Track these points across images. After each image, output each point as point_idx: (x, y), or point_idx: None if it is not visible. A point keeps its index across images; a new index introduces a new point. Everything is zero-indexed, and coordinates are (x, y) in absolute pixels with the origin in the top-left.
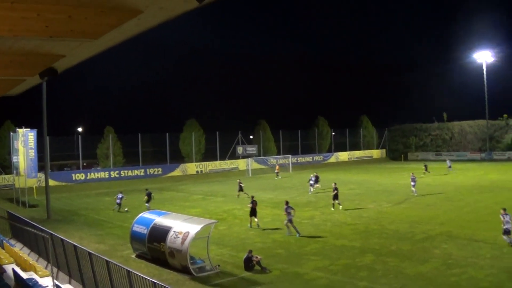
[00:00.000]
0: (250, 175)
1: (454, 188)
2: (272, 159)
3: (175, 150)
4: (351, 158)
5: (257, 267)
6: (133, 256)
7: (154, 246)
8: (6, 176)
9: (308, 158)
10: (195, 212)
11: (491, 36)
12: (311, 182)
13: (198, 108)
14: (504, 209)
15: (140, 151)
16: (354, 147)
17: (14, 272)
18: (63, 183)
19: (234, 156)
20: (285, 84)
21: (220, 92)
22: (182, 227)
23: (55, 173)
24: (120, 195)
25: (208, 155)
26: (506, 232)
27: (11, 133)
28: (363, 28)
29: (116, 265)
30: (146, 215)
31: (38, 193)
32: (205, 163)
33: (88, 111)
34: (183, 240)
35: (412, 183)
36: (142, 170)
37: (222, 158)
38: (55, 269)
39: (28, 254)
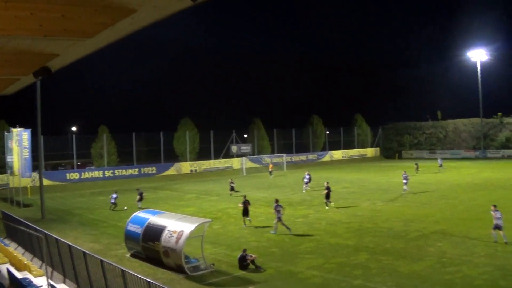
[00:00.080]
0: (244, 174)
1: (448, 186)
2: (266, 158)
3: (169, 149)
4: (345, 156)
5: (251, 266)
6: (128, 255)
7: (149, 245)
8: (0, 175)
9: (302, 157)
10: (190, 211)
11: (486, 34)
12: (306, 180)
13: (193, 107)
14: (495, 206)
15: (134, 150)
16: (348, 145)
17: (9, 271)
18: (57, 183)
19: (228, 155)
20: (279, 83)
21: (214, 91)
22: (176, 226)
23: (49, 173)
24: (114, 195)
25: (203, 154)
26: (497, 227)
27: (5, 133)
28: (357, 27)
29: (111, 264)
30: (140, 214)
31: (33, 193)
32: (199, 162)
33: (82, 111)
34: (178, 239)
35: (404, 181)
36: (136, 169)
37: (217, 157)
38: (49, 269)
39: (23, 254)
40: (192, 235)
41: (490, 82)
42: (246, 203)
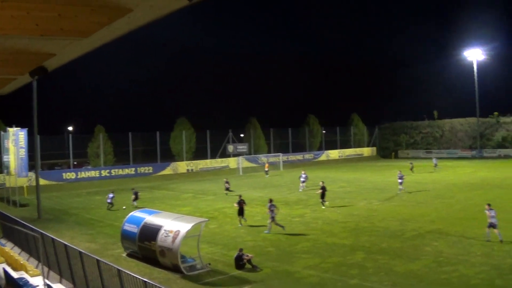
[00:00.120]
0: (241, 173)
1: (444, 185)
2: (262, 157)
3: (165, 149)
4: (341, 156)
5: (248, 265)
6: (124, 255)
7: (145, 245)
8: None
9: (298, 156)
10: (186, 210)
11: (482, 34)
12: (302, 179)
13: (189, 107)
14: (489, 204)
15: (131, 150)
16: (345, 145)
17: (5, 271)
18: (54, 182)
19: (224, 154)
20: (275, 82)
21: (211, 91)
22: (172, 226)
23: (45, 172)
24: (111, 195)
25: (199, 154)
26: (492, 225)
27: (2, 132)
28: (353, 27)
29: (107, 264)
30: (136, 214)
31: (29, 192)
32: (195, 161)
33: (79, 110)
34: (174, 238)
35: (399, 181)
36: (133, 169)
37: (213, 156)
38: (45, 269)
39: (19, 254)
40: (188, 234)
41: (487, 82)
42: (241, 203)
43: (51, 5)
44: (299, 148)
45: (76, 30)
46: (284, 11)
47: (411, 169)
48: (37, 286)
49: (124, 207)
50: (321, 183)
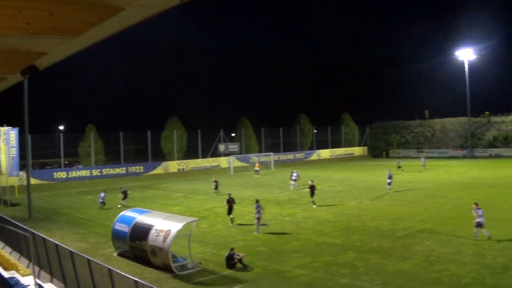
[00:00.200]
0: (232, 173)
1: (435, 185)
2: (254, 157)
3: (156, 148)
4: (332, 155)
5: (239, 265)
6: (115, 254)
7: (136, 245)
8: None
9: (290, 156)
10: (177, 210)
11: (474, 34)
12: (293, 178)
13: (180, 106)
14: (476, 204)
15: (122, 149)
16: (336, 144)
17: None
18: (45, 182)
19: (216, 154)
20: (267, 82)
21: (202, 90)
22: (163, 225)
23: (36, 172)
24: (102, 194)
25: (190, 153)
26: (479, 225)
27: None
28: (345, 28)
29: (98, 263)
30: (127, 213)
31: (20, 192)
32: (186, 161)
33: (70, 109)
34: (165, 238)
35: (388, 180)
36: (124, 168)
37: (204, 156)
38: (36, 268)
39: (10, 253)
40: (179, 234)
41: (478, 82)
42: (230, 201)
43: (42, 4)
44: (290, 147)
45: (68, 29)
46: (270, 12)
47: (399, 167)
48: (28, 285)
49: (119, 206)
50: (310, 182)
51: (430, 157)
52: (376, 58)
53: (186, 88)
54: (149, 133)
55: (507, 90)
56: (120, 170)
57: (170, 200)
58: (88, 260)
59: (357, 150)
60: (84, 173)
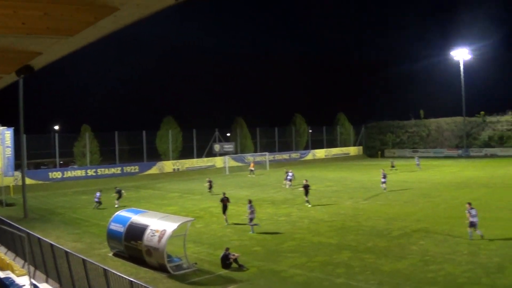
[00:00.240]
0: (227, 172)
1: (430, 184)
2: (249, 157)
3: (152, 148)
4: (328, 155)
5: (234, 265)
6: (110, 254)
7: (131, 245)
8: None
9: (285, 156)
10: (172, 210)
11: (469, 34)
12: (289, 177)
13: (175, 106)
14: (469, 203)
15: (117, 149)
16: (331, 144)
17: None
18: (40, 182)
19: (211, 153)
20: (262, 82)
21: (197, 89)
22: (159, 225)
23: (32, 172)
24: (98, 194)
25: (185, 153)
26: (473, 225)
27: None
28: (340, 27)
29: (93, 263)
30: (122, 213)
31: (15, 192)
32: (182, 161)
33: (65, 109)
34: (160, 238)
35: (383, 180)
36: (119, 168)
37: (199, 155)
38: (32, 268)
39: (5, 253)
40: (174, 234)
41: (473, 81)
42: (224, 200)
43: (37, 3)
44: (285, 147)
45: (63, 29)
46: (265, 12)
47: (392, 166)
48: (23, 285)
49: (116, 206)
50: (304, 181)
51: (426, 157)
52: (371, 58)
53: (181, 88)
54: (144, 133)
55: (502, 90)
56: (115, 170)
57: (165, 200)
58: (83, 260)
59: (352, 150)
60: (79, 173)
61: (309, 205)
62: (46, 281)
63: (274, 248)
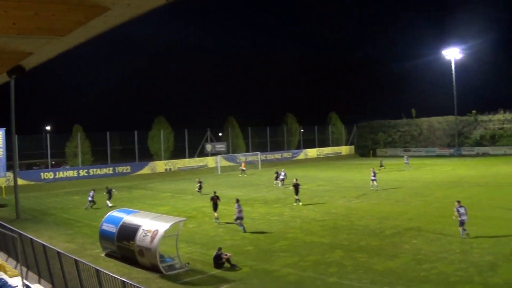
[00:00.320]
0: (219, 172)
1: (422, 183)
2: (241, 156)
3: (143, 148)
4: (320, 154)
5: (226, 265)
6: (103, 255)
7: (123, 245)
8: None
9: (277, 155)
10: (164, 210)
11: (460, 33)
12: (282, 177)
13: (167, 106)
14: (459, 201)
15: (109, 149)
16: (323, 143)
17: None
18: (32, 182)
19: (203, 153)
20: (253, 81)
21: (189, 89)
22: (151, 225)
23: (23, 172)
24: (91, 193)
25: (177, 153)
26: (461, 223)
27: None
28: (330, 26)
29: (85, 264)
30: (115, 213)
31: (7, 193)
32: (174, 161)
33: (57, 109)
34: (152, 238)
35: (372, 178)
36: (111, 169)
37: (191, 155)
38: (24, 269)
39: None
40: (167, 234)
41: (465, 80)
42: (215, 198)
43: (28, 3)
44: (277, 147)
45: (54, 29)
46: (252, 11)
47: (381, 166)
48: (16, 286)
49: (110, 205)
50: (294, 180)
51: (417, 156)
52: (362, 57)
53: (172, 88)
54: (136, 133)
55: (494, 89)
56: (107, 170)
57: (158, 200)
58: (76, 261)
59: (344, 149)
60: (71, 173)
61: (300, 203)
62: (39, 282)
63: (267, 248)
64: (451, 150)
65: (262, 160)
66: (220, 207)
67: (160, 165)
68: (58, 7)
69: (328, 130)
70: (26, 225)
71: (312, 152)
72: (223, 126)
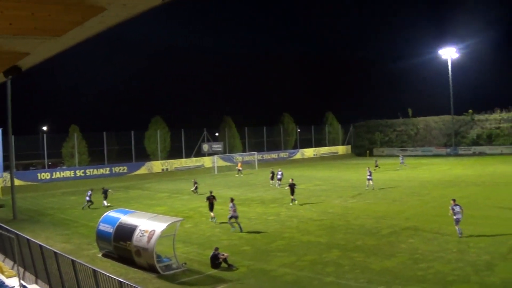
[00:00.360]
0: (216, 172)
1: (419, 183)
2: (237, 156)
3: (140, 148)
4: (316, 154)
5: (223, 265)
6: (100, 255)
7: (120, 245)
8: None
9: (273, 155)
10: (161, 210)
11: (456, 32)
12: (279, 176)
13: (164, 106)
14: (454, 200)
15: (106, 149)
16: (320, 143)
17: None
18: (29, 183)
19: (199, 153)
20: (250, 81)
21: (185, 89)
22: (148, 226)
23: (20, 173)
24: (89, 192)
25: (174, 153)
26: (457, 221)
27: None
28: (327, 25)
29: (82, 264)
30: (111, 214)
31: (4, 193)
32: (170, 161)
33: (53, 110)
34: (149, 238)
35: (368, 177)
36: (108, 169)
37: (188, 155)
38: (21, 270)
39: None
40: (163, 234)
41: (461, 80)
42: (211, 198)
43: (24, 3)
44: (274, 146)
45: (50, 29)
46: (247, 11)
47: (376, 166)
48: (13, 287)
49: (108, 205)
50: (290, 180)
51: (414, 156)
52: (359, 57)
53: (169, 88)
54: (132, 133)
55: (490, 88)
56: (104, 170)
57: (154, 200)
58: (73, 261)
59: (341, 149)
60: (68, 173)
61: (296, 202)
62: (36, 282)
63: (264, 248)
64: (448, 150)
65: (258, 160)
66: (216, 207)
67: (157, 165)
68: (55, 7)
69: (324, 130)
70: (23, 226)
71: (308, 152)
72: (219, 126)
